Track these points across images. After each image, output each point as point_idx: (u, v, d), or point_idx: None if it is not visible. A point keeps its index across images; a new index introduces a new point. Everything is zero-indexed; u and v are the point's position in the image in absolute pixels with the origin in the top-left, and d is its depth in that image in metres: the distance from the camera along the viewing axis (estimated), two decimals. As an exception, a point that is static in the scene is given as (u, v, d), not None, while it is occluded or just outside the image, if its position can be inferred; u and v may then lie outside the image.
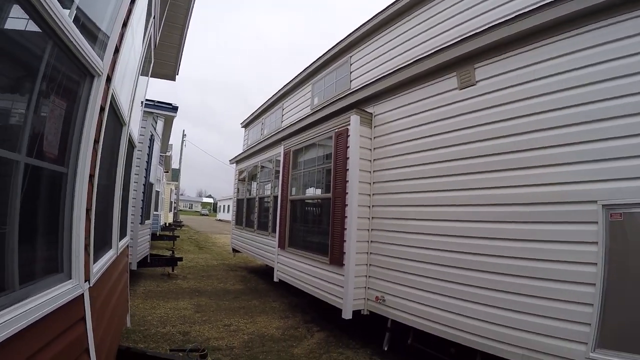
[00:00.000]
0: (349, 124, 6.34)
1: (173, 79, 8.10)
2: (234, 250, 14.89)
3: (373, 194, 6.37)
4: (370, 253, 6.30)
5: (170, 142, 20.74)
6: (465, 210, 4.81)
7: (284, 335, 6.73)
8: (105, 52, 2.52)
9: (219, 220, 66.34)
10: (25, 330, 1.58)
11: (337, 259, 6.28)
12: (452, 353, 5.11)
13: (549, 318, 3.83)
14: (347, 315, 5.99)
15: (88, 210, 2.49)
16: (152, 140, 10.08)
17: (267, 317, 7.78)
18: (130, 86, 3.96)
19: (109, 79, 2.64)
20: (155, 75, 7.74)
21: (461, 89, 5.07)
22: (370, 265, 6.28)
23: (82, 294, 2.37)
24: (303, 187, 8.00)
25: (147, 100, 10.11)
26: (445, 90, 5.32)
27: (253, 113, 15.93)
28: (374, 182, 6.39)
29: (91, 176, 2.49)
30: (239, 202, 14.45)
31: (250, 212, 12.92)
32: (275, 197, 9.80)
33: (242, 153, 14.60)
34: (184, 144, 45.64)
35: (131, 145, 4.92)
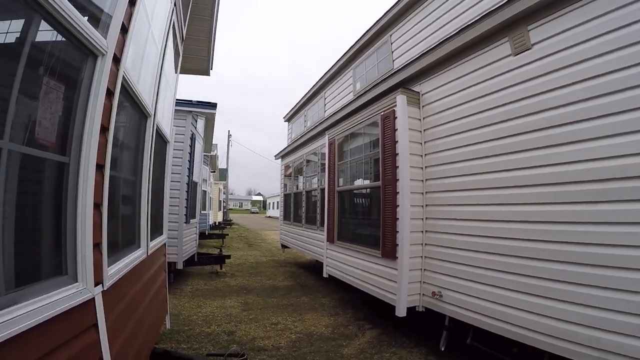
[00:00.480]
0: (395, 105, 5.83)
1: (207, 73, 7.83)
2: (283, 246, 14.67)
3: (426, 180, 5.83)
4: (426, 244, 5.77)
5: (215, 142, 20.77)
6: (534, 191, 4.17)
7: (334, 333, 6.34)
8: (109, 30, 2.23)
9: (269, 217, 67.10)
10: (18, 336, 1.44)
11: (389, 252, 5.81)
12: (515, 353, 4.57)
13: (630, 314, 3.22)
14: (401, 312, 5.52)
15: (98, 205, 2.18)
16: (193, 139, 9.92)
17: (316, 314, 7.44)
18: (153, 75, 3.66)
19: (117, 60, 2.33)
20: (187, 71, 7.50)
21: (516, 55, 4.49)
22: (425, 257, 5.76)
23: (93, 299, 2.07)
24: (350, 177, 7.55)
25: (184, 100, 10.00)
26: (498, 59, 4.70)
27: (295, 106, 15.59)
28: (426, 167, 5.84)
29: (100, 166, 2.17)
30: (286, 197, 14.20)
31: (297, 207, 12.62)
32: (322, 190, 9.44)
33: (286, 147, 14.35)
34: (230, 144, 46.38)
35: (162, 140, 4.65)
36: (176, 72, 5.72)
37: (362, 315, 7.41)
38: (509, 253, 4.42)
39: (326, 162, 8.45)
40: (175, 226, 9.12)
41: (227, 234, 21.08)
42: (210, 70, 7.85)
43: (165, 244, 5.21)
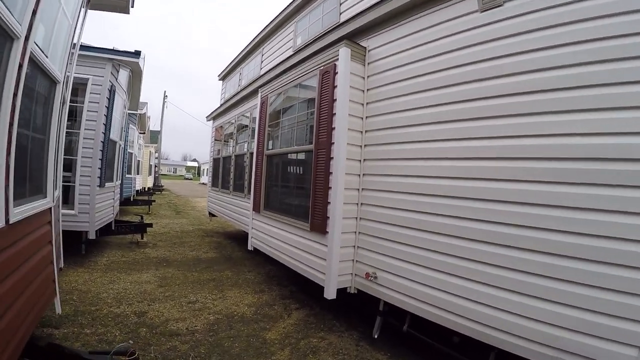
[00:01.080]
0: (337, 59, 5.06)
1: (126, 11, 6.71)
2: (211, 215, 13.70)
3: (365, 145, 5.17)
4: (361, 219, 5.15)
5: (145, 101, 19.32)
6: (496, 165, 3.60)
7: (257, 314, 5.68)
8: None
9: (202, 183, 65.40)
10: None
11: (319, 226, 5.13)
12: (456, 342, 4.13)
13: (591, 312, 2.81)
14: (330, 294, 4.89)
15: None
16: (112, 91, 8.72)
17: (239, 291, 6.75)
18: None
19: None
20: (99, 6, 6.32)
21: (482, 12, 3.84)
22: (360, 233, 5.15)
23: None
24: (283, 141, 6.78)
25: (105, 48, 8.81)
26: (462, 14, 4.01)
27: (230, 63, 14.42)
28: (366, 131, 5.17)
29: None
30: (215, 162, 13.14)
31: (226, 173, 11.68)
32: (252, 155, 8.64)
33: (218, 108, 13.22)
34: (165, 105, 44.17)
35: (46, 76, 3.62)
36: (83, 6, 4.72)
37: (288, 293, 6.80)
38: (450, 233, 3.92)
39: (257, 123, 7.60)
40: (86, 190, 8.00)
41: (155, 200, 19.82)
42: (131, 9, 6.74)
43: (51, 209, 4.24)
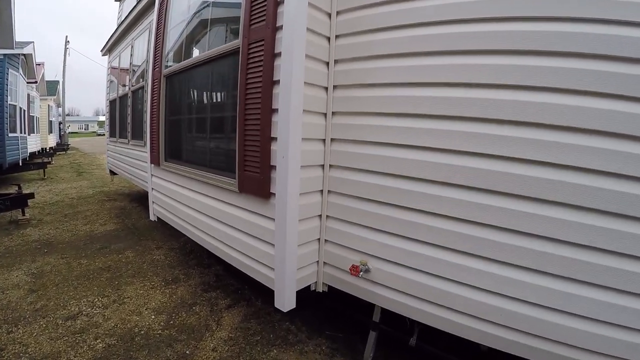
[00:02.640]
0: None
1: None
2: (112, 173, 10.98)
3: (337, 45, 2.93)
4: (332, 167, 3.01)
5: (30, 40, 15.66)
6: None
7: (170, 327, 3.63)
8: None
9: (117, 139, 60.95)
10: None
11: (257, 184, 2.89)
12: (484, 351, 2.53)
13: None
14: (286, 303, 2.77)
15: None
16: None
17: (143, 285, 4.60)
18: None
19: None
20: None
21: None
22: (331, 194, 3.03)
23: None
24: (188, 48, 4.40)
25: None
26: None
27: None
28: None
29: None
30: (112, 105, 10.19)
31: (123, 117, 8.95)
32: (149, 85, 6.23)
33: (112, 35, 10.14)
34: (67, 52, 39.21)
35: None
36: None
37: (214, 278, 4.75)
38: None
39: (153, 28, 5.09)
40: None
41: (50, 162, 16.53)
42: None
43: None
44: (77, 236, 6.65)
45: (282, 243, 2.70)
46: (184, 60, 4.28)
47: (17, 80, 14.40)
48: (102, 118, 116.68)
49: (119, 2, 12.60)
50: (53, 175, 15.34)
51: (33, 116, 20.76)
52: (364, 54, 2.72)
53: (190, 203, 4.09)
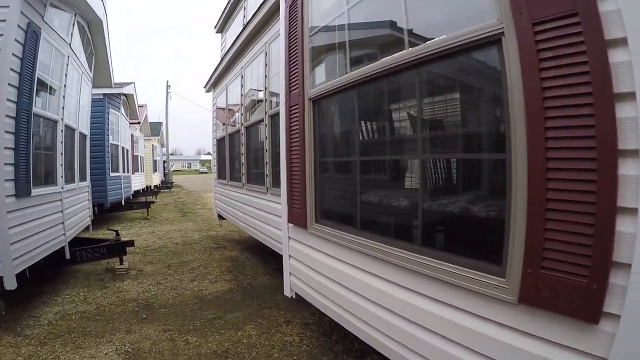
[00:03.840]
0: None
1: None
2: (220, 217, 10.07)
3: None
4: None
5: (130, 81, 15.59)
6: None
7: None
8: None
9: (217, 176, 63.00)
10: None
11: (574, 294, 1.47)
12: None
13: None
14: None
15: None
16: (32, 33, 5.10)
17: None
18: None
19: None
20: None
21: None
22: None
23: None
24: (356, 54, 3.02)
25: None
26: None
27: (228, 1, 10.46)
28: None
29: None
30: (219, 144, 9.41)
31: (235, 157, 7.99)
32: (275, 116, 5.04)
33: (216, 68, 9.37)
34: (169, 96, 41.56)
35: None
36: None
37: None
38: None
39: (284, 47, 3.84)
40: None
41: (153, 202, 16.10)
42: None
43: None
44: (182, 297, 5.62)
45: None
46: (352, 70, 2.91)
47: (118, 120, 14.49)
48: (203, 157, 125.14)
49: (220, 33, 11.99)
50: (157, 214, 15.18)
51: (137, 156, 21.08)
52: None
53: (371, 294, 2.66)
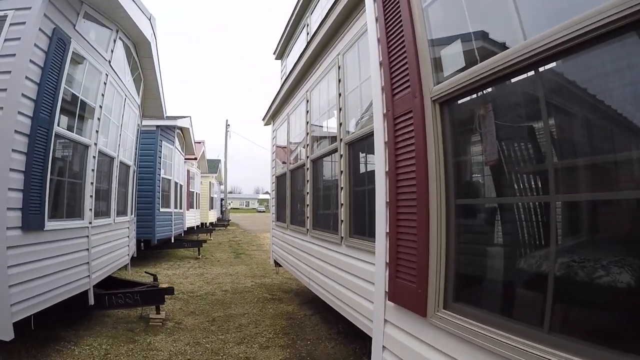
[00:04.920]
0: None
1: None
2: (276, 264, 8.83)
3: None
4: None
5: (188, 114, 14.95)
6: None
7: None
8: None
9: (274, 216, 63.05)
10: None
11: None
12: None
13: None
14: None
15: None
16: (59, 41, 4.16)
17: None
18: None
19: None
20: None
21: None
22: None
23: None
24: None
25: None
26: None
27: (289, 21, 9.50)
28: None
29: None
30: (279, 181, 8.31)
31: (298, 197, 6.86)
32: (352, 144, 3.85)
33: (276, 97, 8.39)
34: (228, 134, 41.82)
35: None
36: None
37: None
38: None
39: (375, 29, 2.60)
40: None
41: (205, 241, 15.10)
42: None
43: None
44: (223, 368, 4.40)
45: None
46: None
47: (172, 154, 13.95)
48: (261, 196, 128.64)
49: (280, 59, 11.15)
50: (208, 254, 14.40)
51: (193, 192, 20.57)
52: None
53: None
